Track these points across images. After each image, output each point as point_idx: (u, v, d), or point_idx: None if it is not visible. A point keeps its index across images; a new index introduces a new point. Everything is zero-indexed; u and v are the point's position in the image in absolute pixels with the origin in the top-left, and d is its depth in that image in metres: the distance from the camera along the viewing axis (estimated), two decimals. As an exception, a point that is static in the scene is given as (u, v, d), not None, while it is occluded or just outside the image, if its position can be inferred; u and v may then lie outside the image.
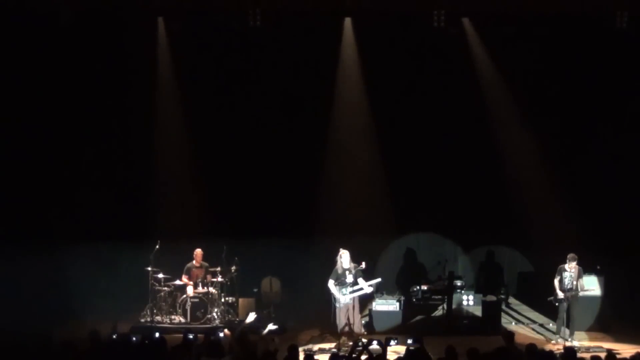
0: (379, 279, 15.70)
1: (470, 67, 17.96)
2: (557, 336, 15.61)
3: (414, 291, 17.32)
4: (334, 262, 15.77)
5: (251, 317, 12.83)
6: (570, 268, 15.56)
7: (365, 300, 16.37)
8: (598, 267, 16.52)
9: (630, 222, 17.58)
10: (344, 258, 15.47)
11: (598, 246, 16.94)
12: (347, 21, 17.77)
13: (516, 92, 17.93)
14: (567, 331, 15.60)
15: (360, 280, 15.38)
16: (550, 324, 16.56)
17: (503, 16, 17.04)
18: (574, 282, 15.53)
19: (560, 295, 15.55)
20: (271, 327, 12.83)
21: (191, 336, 11.37)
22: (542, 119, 17.92)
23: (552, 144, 18.04)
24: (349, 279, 15.41)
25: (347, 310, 15.33)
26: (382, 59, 17.91)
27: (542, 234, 17.72)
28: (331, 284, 15.38)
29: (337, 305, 15.28)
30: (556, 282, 15.64)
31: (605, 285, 16.54)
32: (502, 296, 17.75)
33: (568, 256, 15.61)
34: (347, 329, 15.26)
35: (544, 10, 16.67)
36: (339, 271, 15.45)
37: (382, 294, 16.92)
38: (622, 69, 17.45)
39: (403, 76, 17.98)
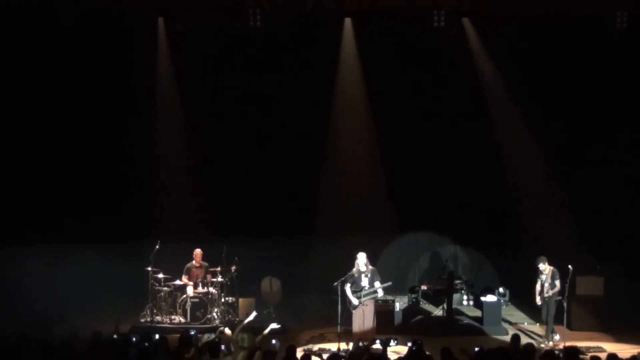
0: (389, 283, 15.50)
1: (470, 67, 17.98)
2: (547, 338, 15.57)
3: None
4: (336, 263, 15.73)
5: (252, 316, 12.77)
6: (543, 270, 15.54)
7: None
8: (598, 267, 16.51)
9: (630, 223, 17.59)
10: (360, 260, 15.18)
11: (598, 246, 16.94)
12: (347, 21, 17.78)
13: (516, 92, 17.94)
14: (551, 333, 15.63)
15: (376, 283, 15.08)
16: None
17: (503, 16, 17.05)
18: (546, 284, 15.52)
19: (538, 300, 15.56)
20: (274, 326, 12.78)
21: (193, 332, 11.36)
22: (541, 119, 17.93)
23: (552, 143, 18.05)
24: (365, 282, 15.13)
25: (363, 313, 15.13)
26: (382, 59, 17.93)
27: (541, 235, 17.73)
28: (347, 288, 15.04)
29: (352, 310, 15.09)
30: (537, 286, 15.64)
31: (605, 285, 16.54)
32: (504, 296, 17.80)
33: (537, 258, 15.59)
34: (361, 330, 15.11)
35: (544, 10, 16.67)
36: (355, 274, 15.17)
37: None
38: (622, 69, 17.46)
39: (403, 76, 17.99)
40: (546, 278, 15.52)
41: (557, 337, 15.47)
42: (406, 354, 11.02)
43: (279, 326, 13.41)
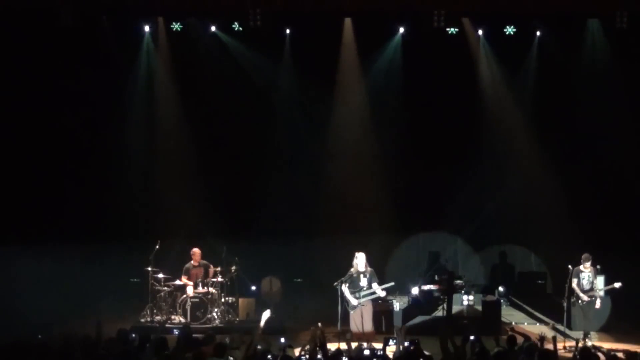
0: (392, 283, 15.55)
1: (470, 67, 18.00)
2: (582, 335, 15.54)
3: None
4: (336, 263, 15.71)
5: (266, 314, 12.49)
6: (586, 268, 15.52)
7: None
8: (598, 267, 16.49)
9: (630, 223, 17.59)
10: (360, 260, 15.16)
11: (598, 246, 16.91)
12: (347, 21, 17.80)
13: (517, 91, 17.97)
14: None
15: (374, 284, 15.12)
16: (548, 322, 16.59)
17: (503, 16, 17.07)
18: (593, 282, 15.51)
19: (585, 298, 15.46)
20: (266, 314, 12.61)
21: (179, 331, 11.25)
22: (543, 118, 17.94)
23: (553, 143, 18.05)
24: (363, 282, 15.11)
25: (361, 313, 15.09)
26: (382, 59, 17.95)
27: (543, 235, 17.74)
28: (345, 288, 15.04)
29: (350, 310, 15.10)
30: (574, 285, 15.55)
31: (606, 285, 16.52)
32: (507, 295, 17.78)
33: (583, 256, 15.53)
34: (360, 330, 15.09)
35: (544, 10, 16.69)
36: (354, 274, 15.15)
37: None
38: (622, 68, 17.48)
39: (403, 76, 18.01)
40: (590, 277, 15.50)
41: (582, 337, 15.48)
42: (404, 354, 11.00)
43: (269, 313, 13.26)
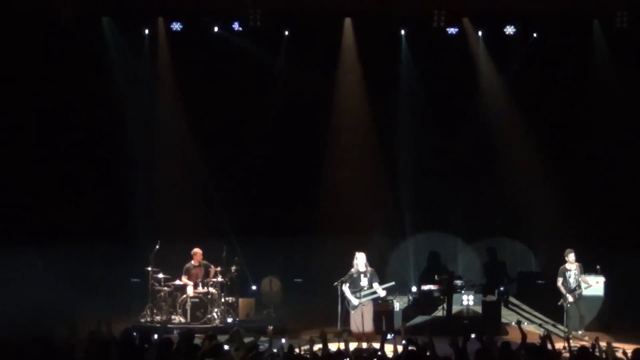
0: (392, 282, 15.56)
1: (470, 67, 18.01)
2: (570, 334, 15.53)
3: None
4: (340, 263, 15.73)
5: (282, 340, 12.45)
6: (571, 262, 15.50)
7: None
8: (598, 267, 16.49)
9: (630, 222, 17.59)
10: (360, 260, 15.14)
11: (598, 246, 16.94)
12: (347, 21, 17.82)
13: (516, 90, 17.99)
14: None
15: (375, 284, 15.11)
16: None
17: (503, 16, 17.09)
18: (578, 279, 15.49)
19: (570, 298, 15.45)
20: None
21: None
22: (541, 117, 17.96)
23: (552, 142, 18.06)
24: (364, 282, 15.09)
25: (362, 313, 15.06)
26: (382, 59, 17.97)
27: (542, 235, 17.74)
28: (346, 288, 15.01)
29: (351, 310, 15.10)
30: (560, 284, 15.55)
31: (605, 285, 16.54)
32: (504, 295, 17.76)
33: (565, 251, 15.54)
34: (361, 330, 15.07)
35: (544, 10, 16.71)
36: (354, 274, 15.14)
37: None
38: (622, 68, 17.50)
39: (403, 76, 18.02)
40: (576, 274, 15.48)
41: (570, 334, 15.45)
42: (402, 353, 10.99)
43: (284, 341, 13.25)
